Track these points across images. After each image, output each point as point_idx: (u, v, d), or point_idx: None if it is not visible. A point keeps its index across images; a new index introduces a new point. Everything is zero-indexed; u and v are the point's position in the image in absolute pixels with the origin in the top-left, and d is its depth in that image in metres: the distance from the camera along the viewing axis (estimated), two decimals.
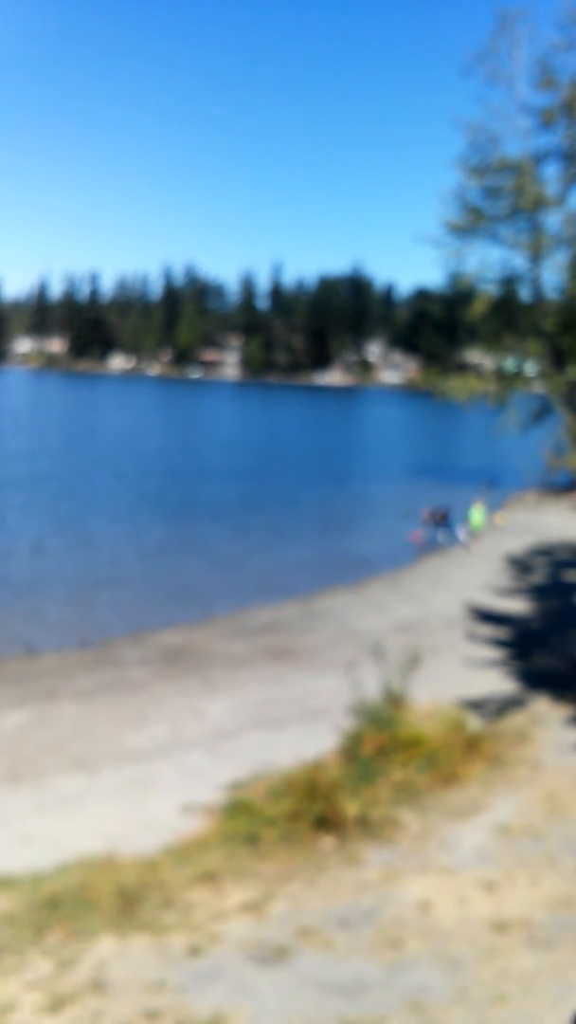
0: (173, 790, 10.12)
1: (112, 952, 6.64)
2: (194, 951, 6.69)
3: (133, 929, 6.94)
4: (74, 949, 6.65)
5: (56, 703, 13.67)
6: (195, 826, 9.07)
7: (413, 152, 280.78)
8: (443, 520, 27.68)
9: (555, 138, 37.13)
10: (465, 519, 27.43)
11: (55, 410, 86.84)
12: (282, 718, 12.74)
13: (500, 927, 6.93)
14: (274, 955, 6.68)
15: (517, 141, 38.07)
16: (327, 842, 8.49)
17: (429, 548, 27.29)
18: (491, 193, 38.42)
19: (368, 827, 8.70)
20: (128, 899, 7.35)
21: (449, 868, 7.96)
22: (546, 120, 36.99)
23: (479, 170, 38.26)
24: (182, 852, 8.36)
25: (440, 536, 27.53)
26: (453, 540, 27.25)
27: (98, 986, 6.23)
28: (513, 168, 37.33)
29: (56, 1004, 5.99)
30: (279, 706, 13.32)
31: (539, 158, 37.80)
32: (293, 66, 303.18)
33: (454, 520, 27.72)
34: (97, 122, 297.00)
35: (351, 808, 8.81)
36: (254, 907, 7.34)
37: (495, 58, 37.97)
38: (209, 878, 7.80)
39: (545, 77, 36.49)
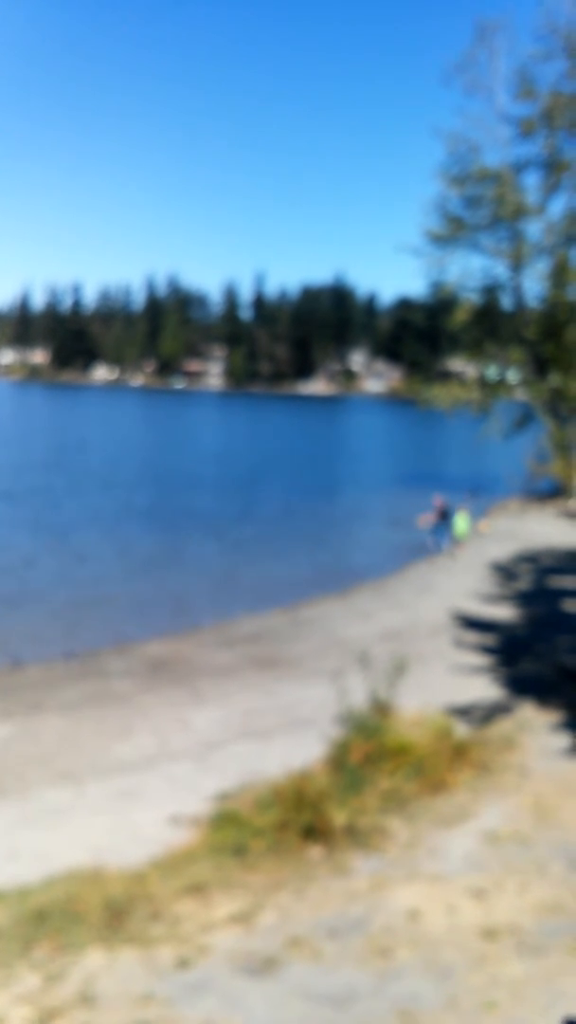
0: (160, 802, 10.07)
1: (100, 965, 6.60)
2: (183, 963, 6.66)
3: (121, 942, 6.90)
4: (62, 962, 6.61)
5: (41, 716, 13.59)
6: (182, 838, 9.03)
7: (395, 162, 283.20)
8: (443, 517, 27.64)
9: (535, 147, 37.55)
10: (450, 527, 27.49)
11: (39, 422, 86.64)
12: (269, 728, 12.71)
13: (490, 934, 6.93)
14: (263, 966, 6.66)
15: (497, 151, 38.46)
16: (315, 852, 8.47)
17: (430, 545, 27.31)
18: (472, 202, 38.88)
19: (356, 836, 8.68)
20: (116, 912, 7.31)
21: (438, 876, 7.96)
22: (526, 130, 37.47)
23: (459, 180, 38.74)
24: (169, 864, 8.32)
25: (436, 535, 27.51)
26: (442, 544, 27.28)
27: (87, 999, 6.19)
28: (493, 177, 37.79)
29: (45, 1018, 5.95)
30: (266, 716, 13.29)
31: (519, 167, 38.22)
32: (275, 76, 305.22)
33: (444, 526, 27.72)
34: (79, 132, 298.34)
35: (339, 817, 8.80)
36: (242, 918, 7.31)
37: (474, 68, 38.44)
38: (197, 890, 7.77)
39: (524, 87, 36.97)
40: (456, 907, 7.38)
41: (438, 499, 28.64)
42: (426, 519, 28.09)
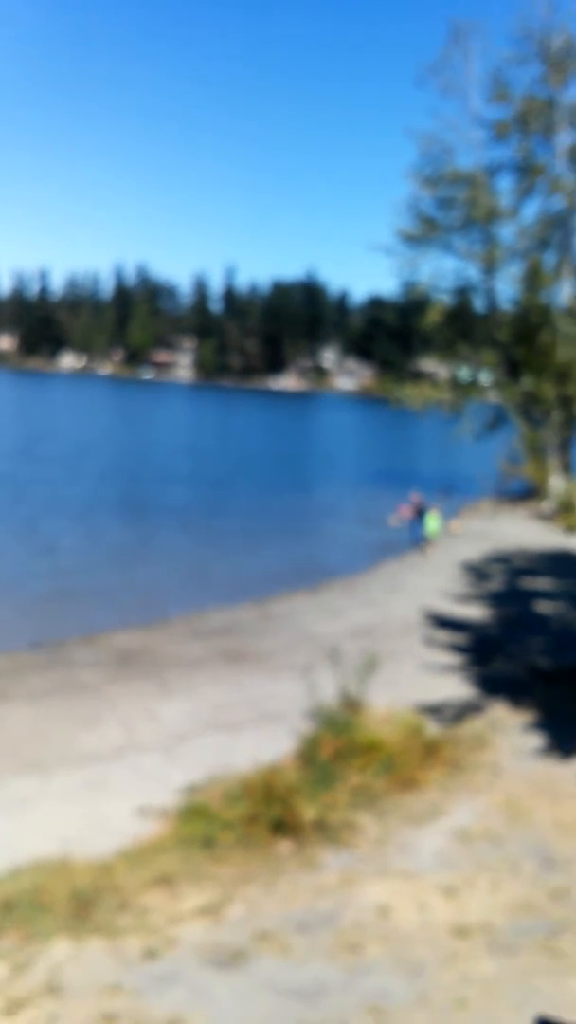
0: (128, 793, 9.96)
1: (67, 955, 6.50)
2: (150, 954, 6.57)
3: (88, 932, 6.80)
4: (28, 952, 6.50)
5: (8, 704, 13.40)
6: (150, 829, 8.93)
7: (369, 160, 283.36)
8: (418, 515, 27.65)
9: (508, 151, 37.85)
10: (422, 525, 27.53)
11: (5, 409, 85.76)
12: (238, 721, 12.62)
13: (461, 932, 6.90)
14: (231, 959, 6.59)
15: (470, 153, 38.77)
16: (284, 846, 8.41)
17: (412, 541, 27.37)
18: (444, 204, 39.03)
19: (326, 831, 8.63)
20: (83, 902, 7.21)
21: (409, 873, 7.92)
22: (499, 133, 37.70)
23: (432, 181, 38.86)
24: (137, 855, 8.22)
25: (414, 531, 27.55)
26: (415, 540, 27.33)
27: (53, 989, 6.10)
28: (466, 180, 37.95)
29: (11, 1007, 5.85)
30: (235, 709, 13.20)
31: (492, 170, 38.47)
32: (251, 71, 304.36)
33: (417, 524, 27.75)
34: (48, 116, 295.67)
35: (308, 812, 8.74)
36: (211, 911, 7.24)
37: (449, 70, 38.63)
38: (165, 881, 7.68)
39: (499, 90, 37.19)
40: (427, 904, 7.34)
41: (415, 496, 28.69)
42: (403, 512, 28.08)
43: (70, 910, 7.09)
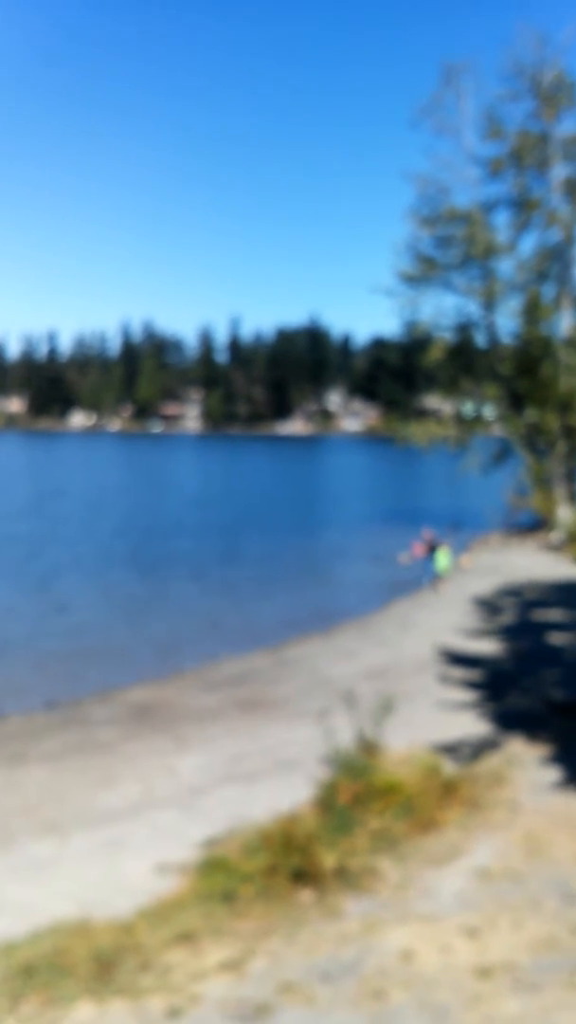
0: (146, 850, 9.93)
1: (90, 1018, 6.46)
2: (174, 1013, 6.53)
3: (111, 994, 6.76)
4: (51, 1016, 6.47)
5: (24, 767, 13.41)
6: (170, 886, 8.89)
7: (367, 204, 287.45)
8: (431, 550, 27.61)
9: (504, 186, 38.34)
10: (433, 562, 27.53)
11: (17, 469, 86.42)
12: (255, 771, 12.59)
13: (484, 973, 6.84)
14: (255, 1013, 6.53)
15: (466, 191, 39.25)
16: (305, 895, 8.35)
17: (424, 579, 27.31)
18: (443, 242, 39.49)
19: (347, 878, 8.58)
20: (104, 963, 7.17)
21: (430, 915, 7.86)
22: (494, 169, 38.20)
23: (430, 220, 39.36)
24: (158, 913, 8.18)
25: (427, 568, 27.49)
26: (429, 577, 27.28)
27: None
28: (463, 217, 38.43)
29: None
30: (252, 759, 13.17)
31: (489, 207, 38.96)
32: (248, 120, 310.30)
33: (429, 561, 27.73)
34: (52, 178, 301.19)
35: (328, 859, 8.70)
36: (233, 965, 7.18)
37: (442, 110, 39.28)
38: (186, 938, 7.63)
39: (492, 127, 37.76)
40: (449, 946, 7.28)
41: (427, 533, 28.71)
42: (417, 550, 28.05)
43: (92, 972, 7.06)
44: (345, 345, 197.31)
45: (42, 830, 10.74)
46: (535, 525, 38.90)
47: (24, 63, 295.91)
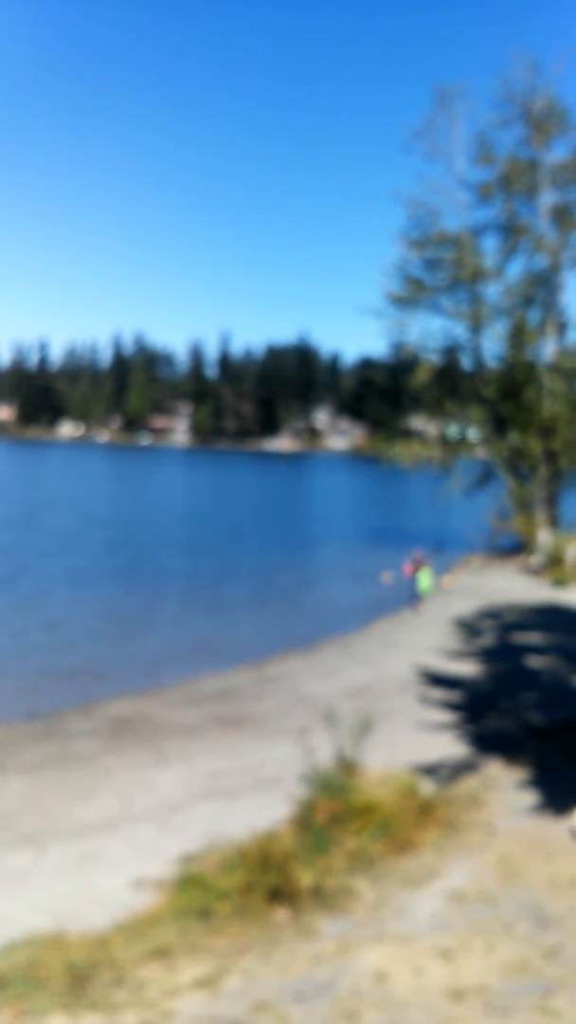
0: (123, 865, 9.93)
1: None
2: None
3: (84, 1008, 6.77)
4: None
5: (2, 776, 13.37)
6: (146, 901, 8.90)
7: (358, 225, 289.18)
8: (419, 568, 27.61)
9: (493, 211, 38.90)
10: (415, 582, 27.62)
11: (4, 480, 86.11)
12: (234, 788, 12.61)
13: (456, 995, 6.88)
14: None
15: (456, 215, 39.79)
16: (281, 914, 8.38)
17: (410, 599, 27.35)
18: (431, 265, 39.92)
19: (323, 897, 8.61)
20: (78, 977, 7.17)
21: (405, 937, 7.90)
22: (484, 194, 38.69)
23: (419, 243, 39.79)
24: (133, 928, 8.19)
25: (413, 588, 27.49)
26: (411, 597, 27.32)
27: None
28: (452, 241, 38.88)
29: None
30: (231, 776, 13.18)
31: (477, 231, 39.46)
32: (241, 136, 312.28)
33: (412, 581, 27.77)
34: (45, 189, 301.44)
35: (305, 878, 8.73)
36: (207, 983, 7.20)
37: (434, 134, 39.79)
38: (161, 954, 7.65)
39: (483, 153, 38.25)
40: (423, 968, 7.32)
41: (417, 553, 28.81)
42: (407, 570, 28.04)
43: (65, 985, 7.06)
44: (333, 364, 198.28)
45: (18, 841, 10.72)
46: (516, 548, 39.14)
47: (20, 70, 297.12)
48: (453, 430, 44.19)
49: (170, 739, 15.20)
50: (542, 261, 37.44)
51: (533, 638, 22.64)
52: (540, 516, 36.87)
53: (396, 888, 8.88)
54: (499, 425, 38.75)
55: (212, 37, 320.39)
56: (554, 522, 37.22)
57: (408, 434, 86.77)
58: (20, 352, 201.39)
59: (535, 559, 35.25)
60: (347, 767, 10.84)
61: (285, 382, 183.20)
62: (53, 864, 10.08)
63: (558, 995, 6.83)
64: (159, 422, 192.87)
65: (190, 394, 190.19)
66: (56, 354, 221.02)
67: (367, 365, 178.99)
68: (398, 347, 42.90)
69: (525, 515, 37.41)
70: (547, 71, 36.92)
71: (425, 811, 10.51)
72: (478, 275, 37.71)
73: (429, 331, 41.41)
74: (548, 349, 37.77)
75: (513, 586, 30.99)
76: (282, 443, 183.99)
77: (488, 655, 20.77)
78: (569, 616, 25.96)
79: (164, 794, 12.52)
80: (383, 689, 17.83)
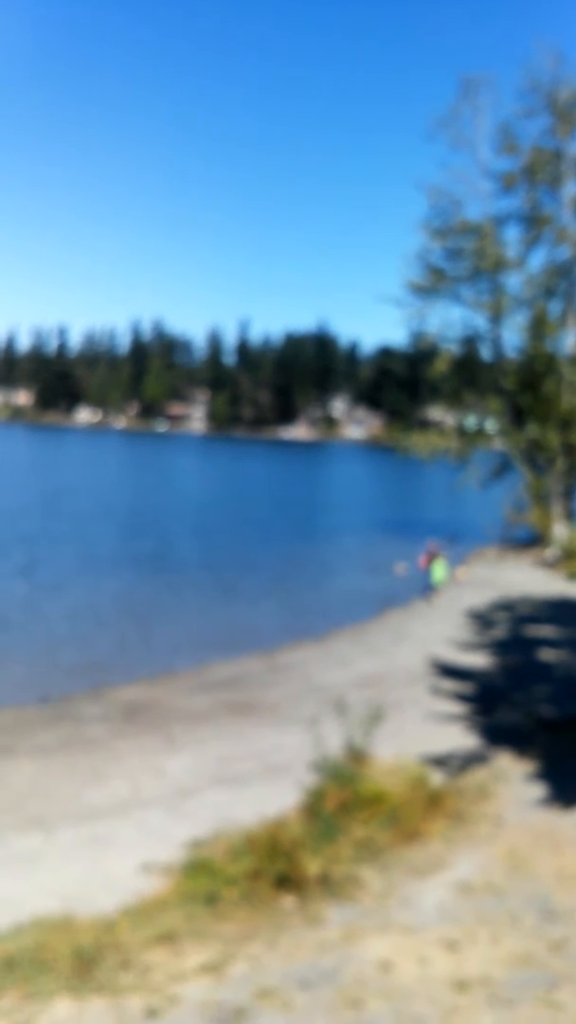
0: (132, 849, 9.98)
1: (68, 1015, 6.50)
2: (152, 1013, 6.57)
3: (90, 991, 6.80)
4: (30, 1011, 6.50)
5: (13, 760, 13.46)
6: (154, 886, 8.94)
7: (379, 213, 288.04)
8: (433, 560, 27.54)
9: (516, 201, 38.59)
10: (429, 573, 27.56)
11: (24, 464, 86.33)
12: (244, 775, 12.64)
13: (461, 986, 6.88)
14: (233, 1017, 6.57)
15: (479, 204, 39.48)
16: (288, 901, 8.40)
17: (424, 589, 27.33)
18: (453, 255, 39.68)
19: (330, 885, 8.62)
20: (85, 960, 7.21)
21: (410, 926, 7.91)
22: (507, 184, 38.37)
23: (442, 232, 39.54)
24: (140, 912, 8.22)
25: (427, 579, 27.45)
26: (425, 588, 27.28)
27: None
28: (475, 231, 38.62)
29: None
30: (241, 762, 13.22)
31: (500, 221, 39.14)
32: (261, 124, 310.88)
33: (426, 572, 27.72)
34: (65, 174, 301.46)
35: (312, 866, 8.74)
36: (213, 968, 7.22)
37: (458, 123, 39.49)
38: (168, 939, 7.67)
39: (507, 143, 37.91)
40: (428, 958, 7.33)
41: (432, 544, 28.74)
42: (423, 561, 27.97)
43: (72, 968, 7.09)
44: (352, 353, 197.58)
45: (28, 824, 10.79)
46: (531, 540, 38.98)
47: (39, 61, 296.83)
48: (471, 421, 44.01)
49: (181, 725, 15.25)
50: (565, 252, 37.12)
51: (546, 631, 22.56)
52: (556, 509, 36.69)
53: (403, 878, 8.89)
54: (517, 417, 38.54)
55: (231, 22, 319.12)
56: (570, 516, 37.02)
57: (425, 424, 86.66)
58: (39, 337, 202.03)
59: (551, 552, 35.11)
60: (357, 756, 10.85)
61: (303, 370, 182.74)
62: (62, 847, 10.13)
63: (563, 988, 6.82)
64: (176, 409, 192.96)
65: (207, 381, 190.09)
66: (75, 340, 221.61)
67: (386, 354, 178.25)
68: (417, 336, 42.82)
69: (541, 508, 37.25)
70: (573, 61, 36.54)
71: (434, 802, 10.51)
72: (500, 265, 37.45)
73: (449, 321, 41.16)
74: (569, 341, 37.49)
75: (528, 579, 30.87)
76: (299, 432, 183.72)
77: (501, 647, 20.71)
78: None
79: (174, 779, 12.57)
80: (395, 680, 17.81)
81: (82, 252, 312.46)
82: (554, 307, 37.97)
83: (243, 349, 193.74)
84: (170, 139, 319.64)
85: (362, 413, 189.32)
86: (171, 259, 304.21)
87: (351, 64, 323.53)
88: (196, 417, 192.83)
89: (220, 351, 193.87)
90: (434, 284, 38.88)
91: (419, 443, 40.64)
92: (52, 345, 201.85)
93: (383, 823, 9.71)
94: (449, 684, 17.32)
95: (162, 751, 13.86)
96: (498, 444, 41.25)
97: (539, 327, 37.51)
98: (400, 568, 31.33)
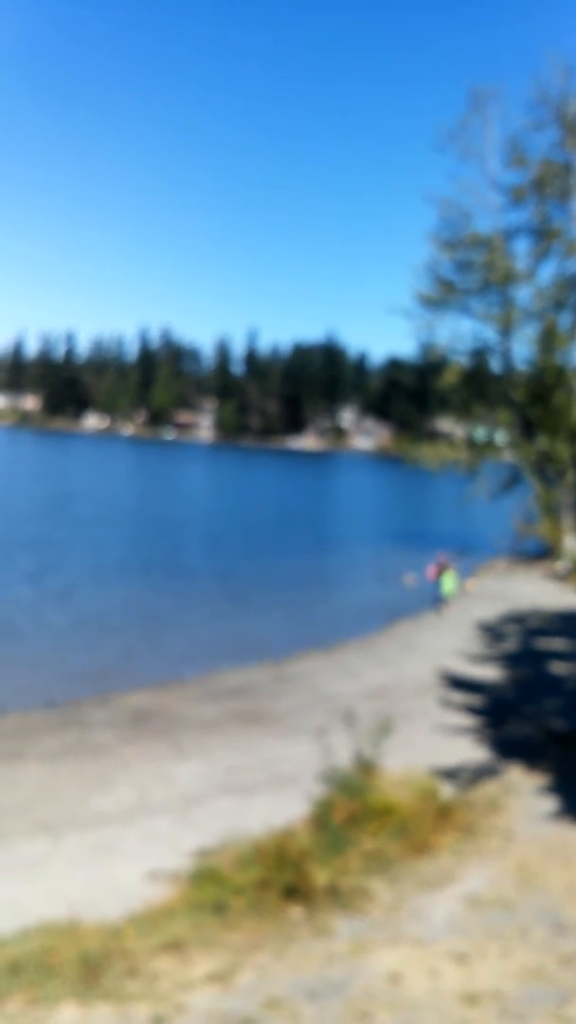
0: (139, 856, 9.93)
1: (74, 1021, 6.46)
2: (159, 1021, 6.52)
3: (96, 997, 6.76)
4: (35, 1017, 6.46)
5: (21, 765, 13.43)
6: (161, 893, 8.90)
7: (389, 224, 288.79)
8: (442, 571, 27.46)
9: (525, 214, 38.54)
10: (438, 585, 27.49)
11: (32, 470, 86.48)
12: (252, 784, 12.58)
13: (471, 999, 6.82)
14: None
15: (488, 217, 39.50)
16: (296, 912, 8.34)
17: (433, 601, 27.26)
18: (462, 267, 39.69)
19: (338, 897, 8.57)
20: (91, 967, 7.16)
21: (420, 939, 7.84)
22: (517, 197, 38.36)
23: (451, 244, 39.57)
24: (148, 920, 8.18)
25: (436, 591, 27.38)
26: (435, 600, 27.21)
27: None
28: (484, 243, 38.61)
29: None
30: (249, 772, 13.16)
31: (509, 234, 39.11)
32: (271, 134, 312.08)
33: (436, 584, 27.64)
34: (77, 182, 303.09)
35: (321, 877, 8.69)
36: (220, 977, 7.17)
37: (468, 135, 39.53)
38: (175, 947, 7.63)
39: (516, 155, 37.89)
40: (438, 971, 7.26)
41: (441, 556, 28.68)
42: (431, 572, 27.91)
43: (78, 974, 7.05)
44: (360, 363, 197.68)
45: (35, 829, 10.75)
46: (541, 553, 38.88)
47: (43, 70, 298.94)
48: (480, 433, 43.96)
49: (189, 733, 15.20)
50: (574, 265, 37.13)
51: (557, 644, 22.47)
52: (567, 522, 36.60)
53: (412, 890, 8.82)
54: (527, 429, 38.49)
55: (240, 33, 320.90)
56: None
57: (434, 436, 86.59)
58: (47, 343, 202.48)
59: (561, 565, 35.00)
60: (365, 767, 10.78)
61: (311, 380, 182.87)
62: (69, 853, 10.09)
63: (573, 1003, 6.75)
64: (184, 417, 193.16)
65: (215, 390, 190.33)
66: (83, 346, 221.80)
67: (394, 365, 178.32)
68: (427, 348, 42.77)
69: (551, 520, 37.16)
70: None
71: (443, 814, 10.45)
72: (509, 278, 37.46)
73: (458, 333, 41.14)
74: None
75: (538, 591, 30.77)
76: (307, 442, 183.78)
77: (511, 660, 20.63)
78: None
79: (182, 787, 12.52)
80: (404, 691, 17.74)
81: (91, 259, 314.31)
82: (564, 320, 37.97)
83: (251, 358, 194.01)
84: (181, 148, 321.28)
85: (371, 424, 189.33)
86: (180, 268, 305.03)
87: (360, 75, 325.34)
88: (204, 426, 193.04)
89: (228, 360, 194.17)
90: (443, 296, 38.92)
91: (428, 454, 40.64)
92: (60, 351, 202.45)
93: (392, 835, 9.66)
94: (459, 696, 17.24)
95: (170, 758, 13.82)
96: (508, 456, 41.20)
97: (549, 340, 37.50)
98: (409, 579, 31.26)
